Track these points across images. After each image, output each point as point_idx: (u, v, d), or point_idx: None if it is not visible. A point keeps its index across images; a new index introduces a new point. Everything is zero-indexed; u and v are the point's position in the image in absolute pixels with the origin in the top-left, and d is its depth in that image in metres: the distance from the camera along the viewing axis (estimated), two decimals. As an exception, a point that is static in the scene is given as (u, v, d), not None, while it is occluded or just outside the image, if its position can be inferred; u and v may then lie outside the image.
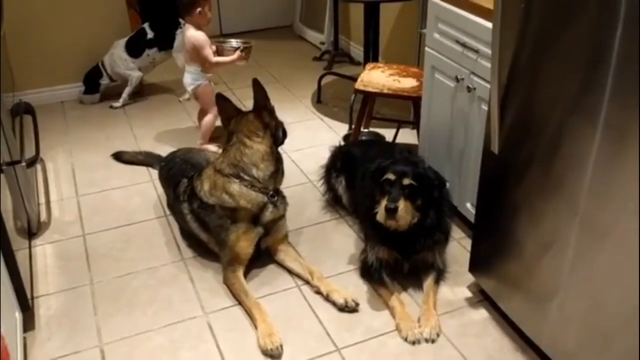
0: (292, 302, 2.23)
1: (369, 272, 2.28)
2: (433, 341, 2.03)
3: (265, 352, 1.99)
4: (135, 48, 3.71)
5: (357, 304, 2.17)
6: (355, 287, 2.28)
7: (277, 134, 2.38)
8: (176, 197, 2.49)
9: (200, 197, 2.33)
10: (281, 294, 2.27)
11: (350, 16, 4.53)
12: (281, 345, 2.00)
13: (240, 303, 2.21)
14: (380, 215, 2.08)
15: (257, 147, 2.30)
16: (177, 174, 2.57)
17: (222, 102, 2.39)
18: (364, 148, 2.74)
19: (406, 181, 2.08)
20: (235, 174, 2.28)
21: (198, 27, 3.13)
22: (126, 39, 3.73)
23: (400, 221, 2.08)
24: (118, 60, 3.70)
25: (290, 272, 2.38)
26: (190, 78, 3.22)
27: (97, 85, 3.81)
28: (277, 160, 2.36)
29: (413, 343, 2.02)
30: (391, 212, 2.05)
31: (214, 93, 2.58)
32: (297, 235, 2.60)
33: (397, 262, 2.27)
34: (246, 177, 2.28)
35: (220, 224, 2.28)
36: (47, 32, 3.67)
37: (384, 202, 2.07)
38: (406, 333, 2.04)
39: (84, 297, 2.27)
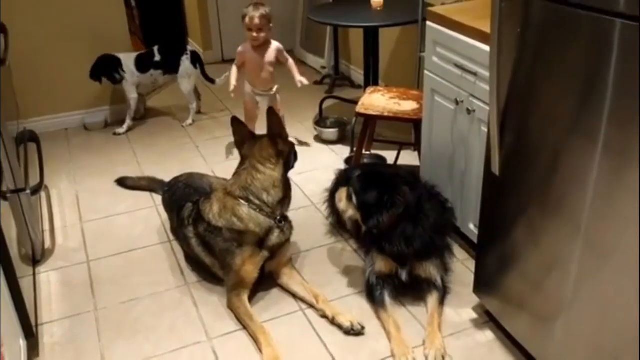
0: (296, 326, 2.22)
1: (372, 293, 2.28)
2: None
3: None
4: (142, 64, 3.78)
5: (362, 327, 2.16)
6: (359, 310, 2.28)
7: (289, 161, 2.41)
8: (180, 221, 2.50)
9: (208, 220, 2.33)
10: (285, 318, 2.26)
11: (350, 40, 4.59)
12: None
13: (245, 327, 2.21)
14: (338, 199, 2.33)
15: (270, 173, 2.32)
16: (181, 199, 2.59)
17: (237, 125, 2.44)
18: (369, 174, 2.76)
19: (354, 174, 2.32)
20: (245, 197, 2.30)
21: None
22: (137, 54, 3.80)
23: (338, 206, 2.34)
24: (126, 68, 3.75)
25: (294, 295, 2.37)
26: None
27: (107, 74, 3.76)
28: (287, 187, 2.38)
29: None
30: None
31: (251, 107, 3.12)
32: (301, 258, 2.60)
33: (397, 274, 2.27)
34: (256, 201, 2.30)
35: (227, 247, 2.29)
36: (51, 61, 3.73)
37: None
38: (399, 359, 2.03)
39: (88, 324, 2.26)
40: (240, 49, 3.38)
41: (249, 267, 2.28)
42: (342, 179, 2.74)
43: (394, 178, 2.29)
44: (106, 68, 3.72)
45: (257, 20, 3.21)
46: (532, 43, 1.67)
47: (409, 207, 2.21)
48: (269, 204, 2.30)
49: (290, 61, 3.41)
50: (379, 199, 2.20)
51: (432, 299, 2.24)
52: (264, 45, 3.32)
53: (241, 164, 2.38)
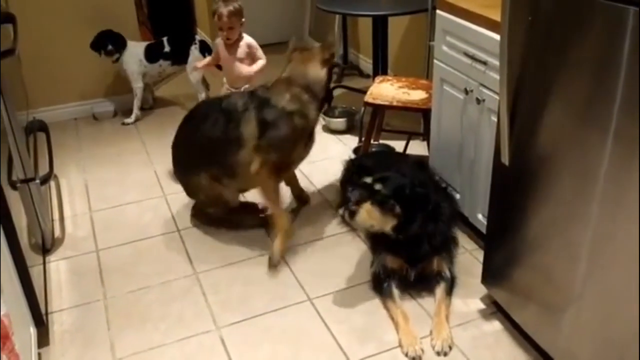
0: (303, 315, 2.23)
1: (378, 284, 2.28)
2: (445, 354, 2.02)
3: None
4: (151, 54, 3.78)
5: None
6: (367, 300, 2.28)
7: (330, 74, 2.64)
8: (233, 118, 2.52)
9: (275, 105, 2.48)
10: (293, 308, 2.27)
11: (359, 30, 4.56)
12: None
13: (270, 203, 2.56)
14: (345, 214, 2.12)
15: (317, 71, 2.56)
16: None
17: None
18: (377, 159, 2.74)
19: (377, 186, 2.11)
20: (304, 85, 2.52)
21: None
22: (147, 43, 3.81)
23: (360, 224, 2.13)
24: (134, 56, 3.75)
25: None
26: None
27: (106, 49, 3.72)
28: (328, 92, 2.63)
29: (413, 359, 2.01)
30: (350, 214, 2.08)
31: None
32: (309, 247, 2.60)
33: (404, 271, 2.27)
34: (309, 93, 2.52)
35: (287, 134, 2.46)
36: (60, 51, 3.73)
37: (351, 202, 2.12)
38: (407, 349, 2.03)
39: (97, 312, 2.28)
40: (217, 40, 3.21)
41: (297, 155, 2.58)
42: (350, 169, 2.73)
43: (416, 176, 2.21)
44: (109, 41, 3.70)
45: (225, 19, 2.99)
46: (543, 31, 1.65)
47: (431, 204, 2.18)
48: (316, 99, 2.48)
49: (260, 62, 3.13)
50: (414, 205, 2.13)
51: (440, 289, 2.23)
52: (237, 41, 3.15)
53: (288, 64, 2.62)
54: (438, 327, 2.09)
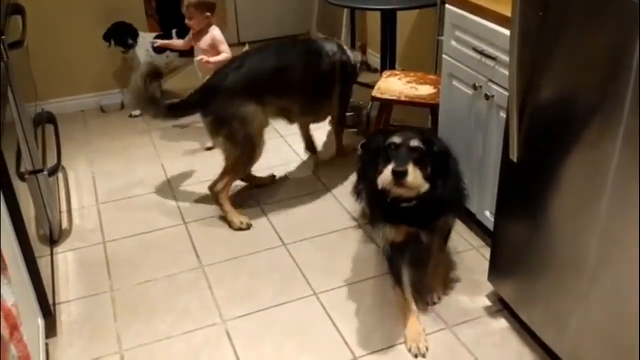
0: (309, 310, 2.23)
1: (390, 265, 2.19)
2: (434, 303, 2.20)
3: None
4: (160, 49, 3.77)
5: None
6: (375, 295, 2.28)
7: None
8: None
9: (354, 62, 3.00)
10: (298, 302, 2.27)
11: (367, 23, 4.54)
12: None
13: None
14: (386, 179, 1.84)
15: None
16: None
17: None
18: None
19: (414, 143, 1.89)
20: None
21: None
22: (155, 34, 3.80)
23: (410, 188, 1.85)
24: (142, 46, 3.74)
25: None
26: None
27: (122, 39, 3.74)
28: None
29: (415, 356, 2.00)
30: (399, 175, 1.81)
31: None
32: (316, 242, 2.60)
33: (414, 237, 2.12)
34: None
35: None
36: (68, 43, 3.74)
37: (390, 166, 1.84)
38: (410, 345, 2.02)
39: (104, 304, 2.29)
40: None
41: None
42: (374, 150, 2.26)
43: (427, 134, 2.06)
44: (121, 33, 3.70)
45: (185, 9, 3.21)
46: (554, 26, 1.64)
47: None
48: None
49: (223, 55, 3.21)
50: (442, 162, 1.97)
51: (436, 237, 2.23)
52: (202, 32, 3.28)
53: None
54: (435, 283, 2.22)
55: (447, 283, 2.27)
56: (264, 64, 2.70)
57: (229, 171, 2.73)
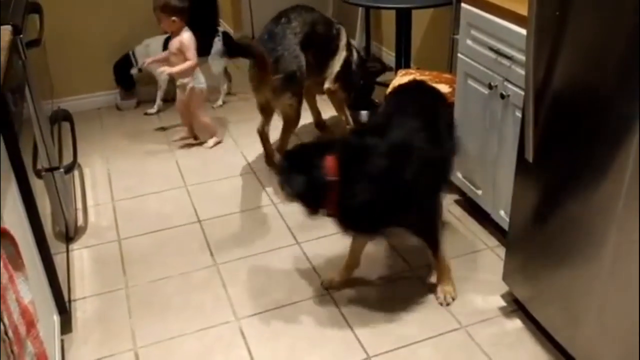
0: (323, 309, 2.23)
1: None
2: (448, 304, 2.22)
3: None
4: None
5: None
6: (386, 295, 2.28)
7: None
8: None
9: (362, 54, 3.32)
10: (312, 301, 2.27)
11: (382, 22, 4.52)
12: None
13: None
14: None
15: None
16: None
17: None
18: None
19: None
20: None
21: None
22: (165, 36, 3.81)
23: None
24: (153, 54, 3.76)
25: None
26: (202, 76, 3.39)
27: (128, 76, 3.84)
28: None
29: (440, 304, 2.19)
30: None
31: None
32: (329, 239, 2.60)
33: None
34: None
35: None
36: (84, 41, 3.76)
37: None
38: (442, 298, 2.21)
39: (119, 301, 2.31)
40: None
41: None
42: None
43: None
44: (123, 72, 3.81)
45: (154, 11, 3.20)
46: (571, 26, 1.62)
47: None
48: None
49: (187, 64, 3.22)
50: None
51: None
52: (175, 34, 3.25)
53: None
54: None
55: (455, 283, 2.26)
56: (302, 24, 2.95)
57: (294, 125, 3.04)
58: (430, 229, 2.17)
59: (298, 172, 1.92)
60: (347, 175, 1.88)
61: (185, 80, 3.30)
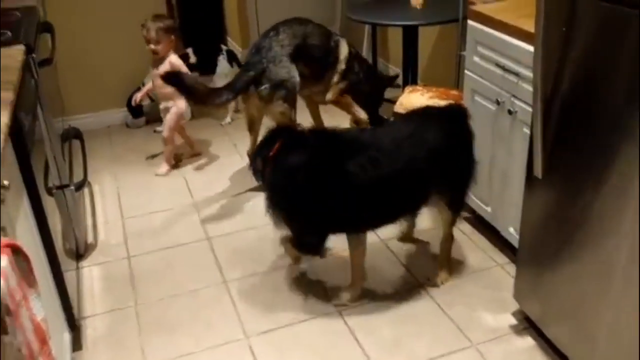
0: (332, 326, 2.22)
1: None
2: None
3: None
4: None
5: None
6: (396, 311, 2.27)
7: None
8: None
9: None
10: (321, 319, 2.26)
11: (389, 39, 4.56)
12: None
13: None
14: None
15: None
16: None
17: None
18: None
19: None
20: None
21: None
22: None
23: None
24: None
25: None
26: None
27: (140, 107, 3.91)
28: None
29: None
30: None
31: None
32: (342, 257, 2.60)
33: None
34: None
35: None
36: (94, 60, 3.81)
37: None
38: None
39: (129, 318, 2.31)
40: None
41: None
42: None
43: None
44: (131, 107, 3.85)
45: (152, 33, 3.16)
46: (578, 42, 1.63)
47: None
48: None
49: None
50: None
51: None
52: (162, 58, 3.26)
53: None
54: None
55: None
56: (296, 37, 2.98)
57: None
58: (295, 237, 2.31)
59: (259, 149, 2.31)
60: (278, 156, 2.19)
61: (169, 103, 3.32)
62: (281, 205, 2.19)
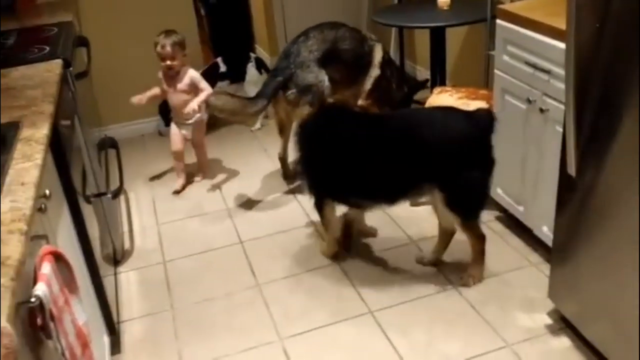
0: (364, 328, 2.23)
1: None
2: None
3: None
4: (207, 80, 3.87)
5: None
6: (429, 313, 2.26)
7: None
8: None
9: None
10: (354, 320, 2.27)
11: (416, 40, 4.55)
12: None
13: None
14: None
15: None
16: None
17: None
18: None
19: None
20: None
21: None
22: (199, 72, 3.90)
23: None
24: None
25: None
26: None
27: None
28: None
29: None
30: None
31: (175, 140, 3.37)
32: (371, 259, 2.60)
33: None
34: None
35: None
36: (127, 72, 3.90)
37: None
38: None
39: (165, 322, 2.36)
40: (160, 74, 3.27)
41: None
42: None
43: None
44: (167, 113, 3.85)
45: (168, 48, 3.11)
46: (612, 39, 1.61)
47: None
48: None
49: (205, 93, 3.16)
50: None
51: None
52: (177, 74, 3.21)
53: None
54: None
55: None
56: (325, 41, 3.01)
57: None
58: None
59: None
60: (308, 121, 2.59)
61: (199, 114, 3.27)
62: (301, 161, 2.52)
